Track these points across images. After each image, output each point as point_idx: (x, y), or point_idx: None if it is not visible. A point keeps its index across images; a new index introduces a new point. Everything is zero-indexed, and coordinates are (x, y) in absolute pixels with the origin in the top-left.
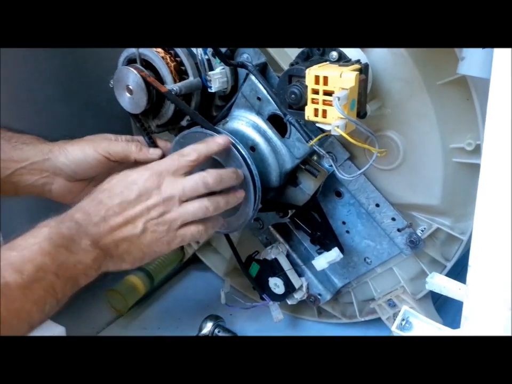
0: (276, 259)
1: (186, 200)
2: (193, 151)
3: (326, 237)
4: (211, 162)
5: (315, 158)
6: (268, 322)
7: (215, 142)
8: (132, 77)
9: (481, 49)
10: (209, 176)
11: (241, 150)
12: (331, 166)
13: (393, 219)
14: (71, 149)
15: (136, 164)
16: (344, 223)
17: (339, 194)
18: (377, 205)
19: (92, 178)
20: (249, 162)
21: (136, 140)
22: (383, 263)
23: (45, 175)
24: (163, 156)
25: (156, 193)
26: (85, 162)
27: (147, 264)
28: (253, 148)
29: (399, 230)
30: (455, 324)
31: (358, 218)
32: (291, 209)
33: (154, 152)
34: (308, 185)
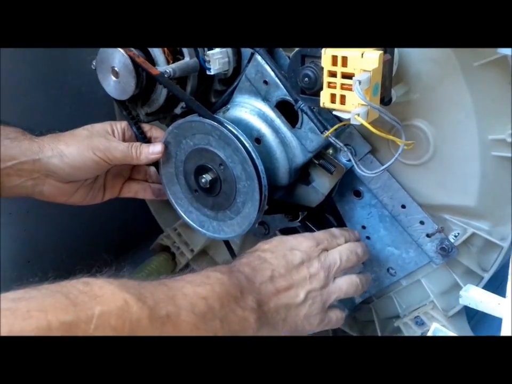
0: None
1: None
2: (342, 236)
3: None
4: (196, 151)
5: (331, 151)
6: None
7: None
8: (118, 57)
9: None
10: (359, 247)
11: (244, 142)
12: (349, 160)
13: (422, 223)
14: (67, 151)
15: (137, 166)
16: (364, 227)
17: (358, 194)
18: (403, 206)
19: (86, 179)
20: (254, 156)
21: (133, 139)
22: (409, 274)
23: (35, 176)
24: (164, 151)
25: (316, 261)
26: (82, 165)
27: (132, 277)
28: (258, 140)
29: (428, 236)
30: None
31: (380, 222)
32: (302, 211)
33: (154, 151)
34: (322, 183)
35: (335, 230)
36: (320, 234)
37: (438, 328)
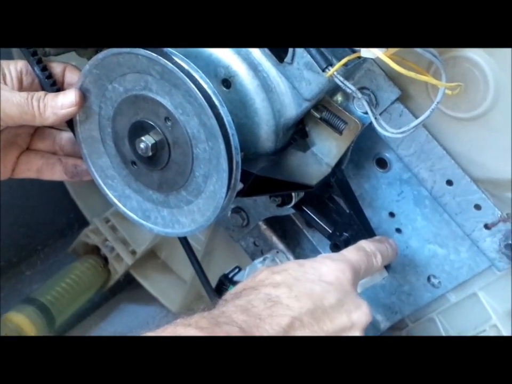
0: None
1: None
2: (378, 253)
3: (359, 240)
4: (128, 101)
5: (339, 99)
6: None
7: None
8: None
9: None
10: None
11: (200, 81)
12: (366, 113)
13: (478, 207)
14: None
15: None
16: (392, 215)
17: (383, 165)
18: (450, 183)
19: None
20: (216, 101)
21: (35, 87)
22: (460, 285)
23: None
24: (81, 103)
25: (360, 300)
26: None
27: (41, 292)
28: (226, 82)
29: (487, 227)
30: None
31: (416, 206)
32: (297, 191)
33: (65, 103)
34: (327, 149)
35: (367, 245)
36: (352, 255)
37: None
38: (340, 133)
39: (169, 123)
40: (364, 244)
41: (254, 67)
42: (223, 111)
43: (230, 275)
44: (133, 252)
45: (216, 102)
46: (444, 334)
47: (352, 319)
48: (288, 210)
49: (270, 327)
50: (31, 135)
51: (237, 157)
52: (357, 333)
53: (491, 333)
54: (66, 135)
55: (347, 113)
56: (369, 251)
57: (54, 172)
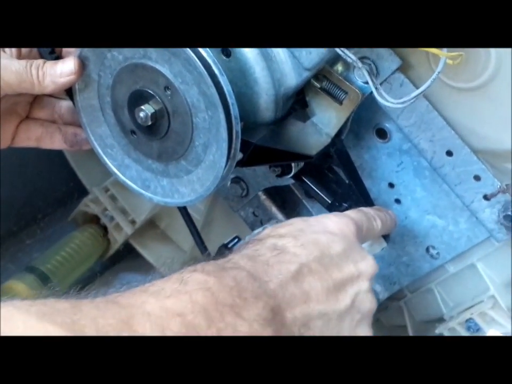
0: None
1: None
2: (378, 218)
3: None
4: (128, 70)
5: (340, 69)
6: None
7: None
8: None
9: None
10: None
11: (202, 53)
12: (367, 83)
13: (477, 178)
14: None
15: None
16: (392, 185)
17: (383, 135)
18: (449, 153)
19: None
20: (216, 71)
21: (34, 54)
22: (459, 255)
23: None
24: (80, 71)
25: (365, 254)
26: None
27: (41, 261)
28: (226, 51)
29: (487, 198)
30: None
31: (416, 177)
32: (296, 161)
33: (65, 72)
34: (327, 119)
35: (366, 209)
36: (353, 214)
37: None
38: (340, 103)
39: (168, 92)
40: (363, 208)
41: None
42: (223, 80)
43: (229, 245)
44: (133, 222)
45: (216, 71)
46: (441, 305)
47: (359, 268)
48: (288, 180)
49: (279, 273)
50: (30, 104)
51: (237, 126)
52: (365, 282)
53: (489, 303)
54: (65, 104)
55: (347, 83)
56: (368, 213)
57: (54, 141)
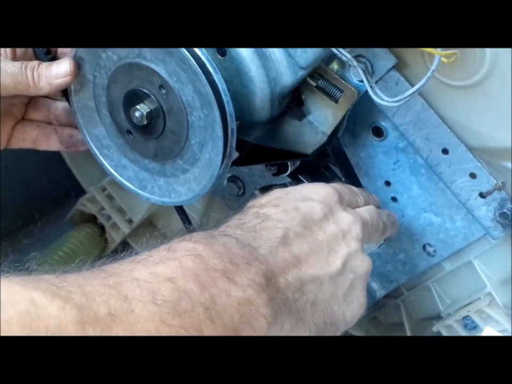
0: None
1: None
2: (361, 195)
3: None
4: (123, 69)
5: (335, 67)
6: None
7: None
8: None
9: None
10: (386, 214)
11: (196, 51)
12: (362, 81)
13: (473, 176)
14: None
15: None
16: (388, 183)
17: (379, 133)
18: (445, 151)
19: None
20: (211, 68)
21: (30, 56)
22: (455, 253)
23: None
24: (75, 72)
25: (346, 214)
26: None
27: (39, 260)
28: (221, 50)
29: (482, 195)
30: None
31: (412, 175)
32: (292, 160)
33: (60, 73)
34: (323, 117)
35: (351, 186)
36: (336, 185)
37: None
38: (336, 101)
39: (163, 91)
40: (348, 185)
41: None
42: (218, 78)
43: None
44: (130, 221)
45: (211, 69)
46: (438, 302)
47: (343, 229)
48: (284, 179)
49: (267, 238)
50: (26, 105)
51: (232, 124)
52: (353, 243)
53: (486, 300)
54: (61, 105)
55: (343, 82)
56: (352, 188)
57: (50, 142)
